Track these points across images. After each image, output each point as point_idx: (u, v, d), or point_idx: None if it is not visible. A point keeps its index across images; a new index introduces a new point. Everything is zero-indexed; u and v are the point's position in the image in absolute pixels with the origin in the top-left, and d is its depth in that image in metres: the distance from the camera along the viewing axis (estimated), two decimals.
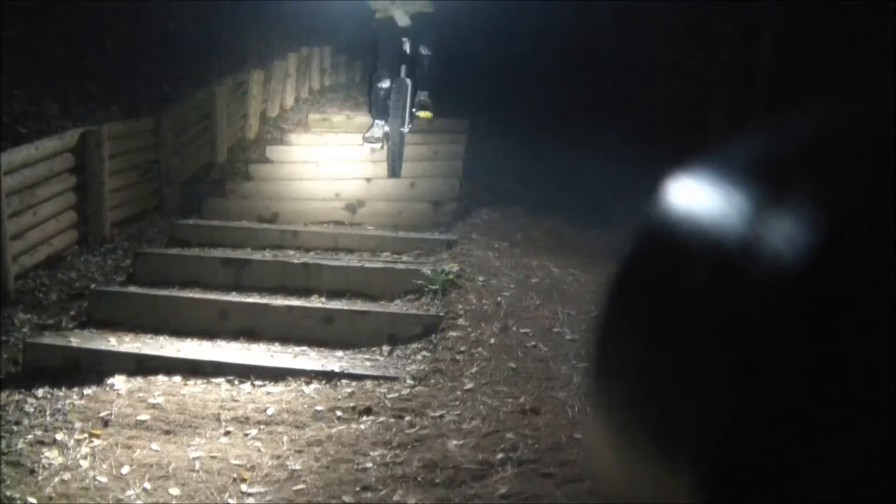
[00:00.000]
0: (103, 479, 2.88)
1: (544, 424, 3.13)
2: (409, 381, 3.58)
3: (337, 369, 3.72)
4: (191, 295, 4.47)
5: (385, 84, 6.07)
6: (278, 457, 3.02)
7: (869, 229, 0.25)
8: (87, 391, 3.57)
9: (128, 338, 4.13)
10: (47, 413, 3.37)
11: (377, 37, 6.15)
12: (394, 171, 6.12)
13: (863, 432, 0.24)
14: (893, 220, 0.25)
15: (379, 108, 6.07)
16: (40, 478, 2.88)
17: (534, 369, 3.61)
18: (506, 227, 5.65)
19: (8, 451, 3.04)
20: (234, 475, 2.91)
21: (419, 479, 2.82)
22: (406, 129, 6.20)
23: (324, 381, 3.63)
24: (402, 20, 5.98)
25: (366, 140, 6.16)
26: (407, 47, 6.06)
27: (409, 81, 6.09)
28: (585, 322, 3.95)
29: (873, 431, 0.24)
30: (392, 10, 5.99)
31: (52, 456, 3.02)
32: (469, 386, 3.49)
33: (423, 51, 6.22)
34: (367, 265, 4.76)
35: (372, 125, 6.18)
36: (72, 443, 3.11)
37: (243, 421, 3.30)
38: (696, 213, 0.31)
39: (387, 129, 5.99)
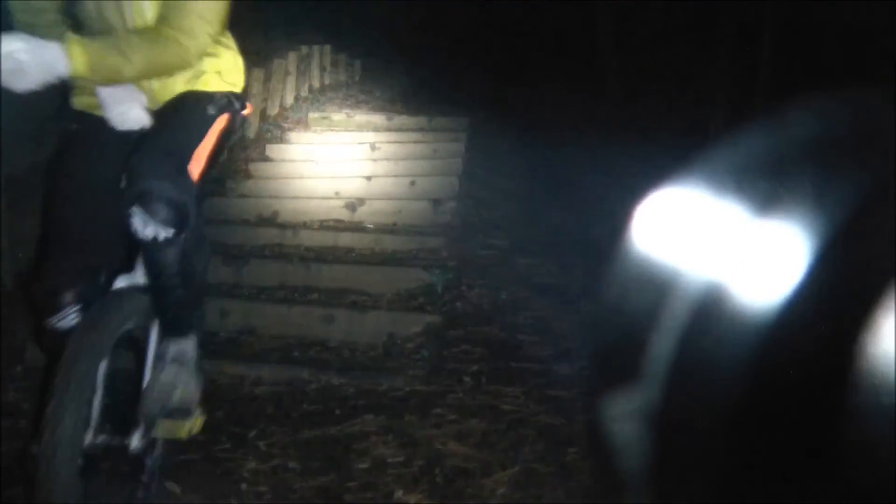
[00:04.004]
0: None
1: (545, 423, 3.13)
2: (410, 380, 3.58)
3: (337, 368, 3.72)
4: None
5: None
6: (279, 456, 3.03)
7: (871, 230, 0.26)
8: None
9: None
10: None
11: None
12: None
13: (864, 434, 0.24)
14: (895, 221, 0.25)
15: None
16: None
17: (534, 368, 3.61)
18: (507, 224, 5.65)
19: (9, 451, 3.04)
20: (235, 475, 2.92)
21: (419, 478, 2.82)
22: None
23: (323, 380, 3.63)
24: (124, 117, 2.33)
25: None
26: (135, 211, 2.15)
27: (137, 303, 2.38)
28: (587, 321, 3.96)
29: (874, 434, 0.24)
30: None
31: None
32: (469, 384, 3.50)
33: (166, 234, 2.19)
34: (367, 264, 4.77)
35: None
36: None
37: (244, 420, 3.30)
38: (695, 212, 0.31)
39: None
